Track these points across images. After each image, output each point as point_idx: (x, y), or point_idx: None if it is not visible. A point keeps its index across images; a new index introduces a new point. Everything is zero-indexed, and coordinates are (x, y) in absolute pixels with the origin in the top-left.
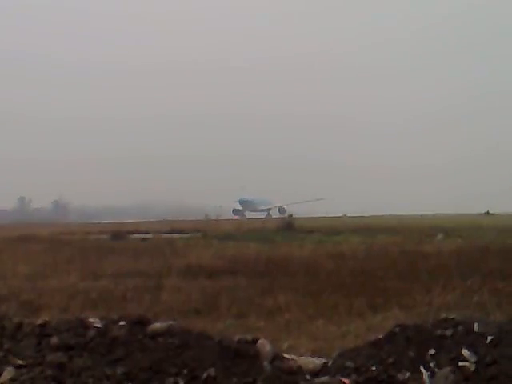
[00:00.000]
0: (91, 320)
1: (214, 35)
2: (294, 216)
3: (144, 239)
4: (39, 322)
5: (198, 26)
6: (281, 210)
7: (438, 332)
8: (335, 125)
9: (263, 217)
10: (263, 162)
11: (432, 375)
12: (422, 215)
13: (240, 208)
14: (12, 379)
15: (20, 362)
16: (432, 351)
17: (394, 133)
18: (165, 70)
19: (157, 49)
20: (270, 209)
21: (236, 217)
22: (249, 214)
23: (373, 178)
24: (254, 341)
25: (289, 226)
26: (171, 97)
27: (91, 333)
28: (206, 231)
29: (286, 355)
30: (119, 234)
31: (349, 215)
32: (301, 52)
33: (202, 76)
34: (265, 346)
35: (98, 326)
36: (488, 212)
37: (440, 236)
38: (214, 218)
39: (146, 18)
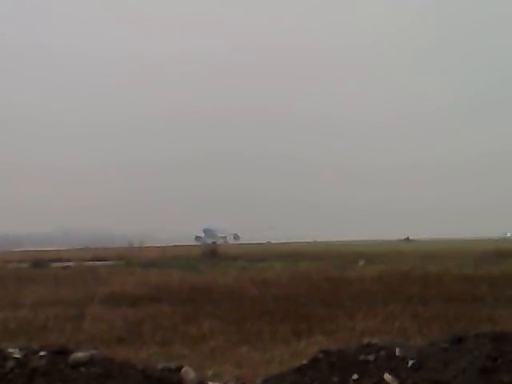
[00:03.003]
0: (10, 350)
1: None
2: (239, 240)
3: (66, 267)
4: None
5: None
6: (235, 236)
7: (361, 357)
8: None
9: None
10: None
11: None
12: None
13: (202, 235)
14: None
15: None
16: (355, 376)
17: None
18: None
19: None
20: (225, 236)
21: (197, 243)
22: (208, 241)
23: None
24: (178, 369)
25: (213, 253)
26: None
27: (10, 363)
28: (130, 259)
29: (210, 383)
30: (40, 261)
31: (273, 241)
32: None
33: None
34: (189, 373)
35: (18, 356)
36: (408, 238)
37: (362, 262)
38: (138, 245)
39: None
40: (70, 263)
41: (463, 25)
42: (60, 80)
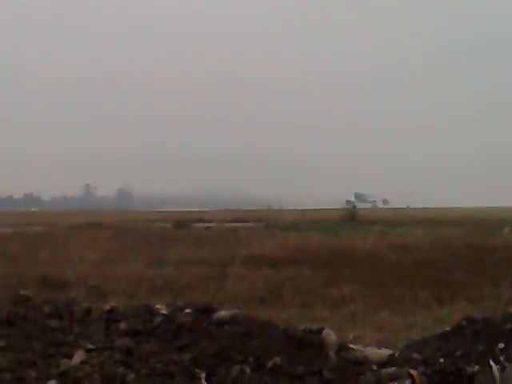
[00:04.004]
0: (158, 307)
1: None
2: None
3: (207, 228)
4: (107, 307)
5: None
6: (384, 201)
7: (508, 326)
8: None
9: (369, 207)
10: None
11: (502, 369)
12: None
13: (353, 200)
14: (83, 362)
15: (90, 345)
16: (501, 345)
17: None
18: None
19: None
20: (375, 201)
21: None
22: (359, 205)
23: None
24: (319, 331)
25: (351, 217)
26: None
27: (158, 319)
28: (269, 221)
29: (351, 345)
30: (183, 222)
31: (413, 207)
32: None
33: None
34: (330, 335)
35: (165, 312)
36: None
37: (507, 229)
38: (278, 208)
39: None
40: (212, 224)
41: None
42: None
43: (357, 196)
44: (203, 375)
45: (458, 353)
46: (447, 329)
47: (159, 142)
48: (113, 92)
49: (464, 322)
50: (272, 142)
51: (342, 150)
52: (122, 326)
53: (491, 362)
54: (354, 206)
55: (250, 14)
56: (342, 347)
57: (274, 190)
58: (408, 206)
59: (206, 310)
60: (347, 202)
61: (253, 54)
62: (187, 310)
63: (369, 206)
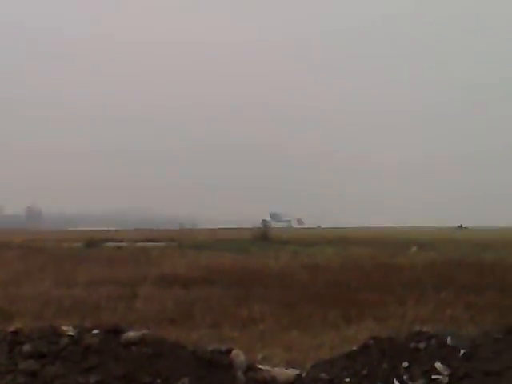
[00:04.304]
0: (64, 328)
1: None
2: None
3: (119, 248)
4: (11, 329)
5: None
6: (299, 221)
7: (412, 345)
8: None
9: (285, 226)
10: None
11: None
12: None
13: (269, 219)
14: None
15: None
16: (406, 364)
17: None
18: None
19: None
20: (290, 220)
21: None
22: (274, 224)
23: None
24: (228, 351)
25: (264, 237)
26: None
27: (64, 341)
28: (181, 240)
29: (259, 366)
30: (94, 241)
31: (323, 226)
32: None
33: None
34: (239, 356)
35: (72, 334)
36: (461, 226)
37: (414, 249)
38: (189, 227)
39: None
40: (123, 244)
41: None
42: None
43: (272, 216)
44: None
45: (364, 372)
46: (354, 348)
47: (69, 161)
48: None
49: (371, 342)
50: (183, 161)
51: (257, 170)
52: (26, 348)
53: (395, 381)
54: (266, 226)
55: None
56: (250, 368)
57: (186, 209)
58: (319, 226)
59: (115, 331)
60: (263, 221)
61: None
62: (95, 331)
63: (284, 225)
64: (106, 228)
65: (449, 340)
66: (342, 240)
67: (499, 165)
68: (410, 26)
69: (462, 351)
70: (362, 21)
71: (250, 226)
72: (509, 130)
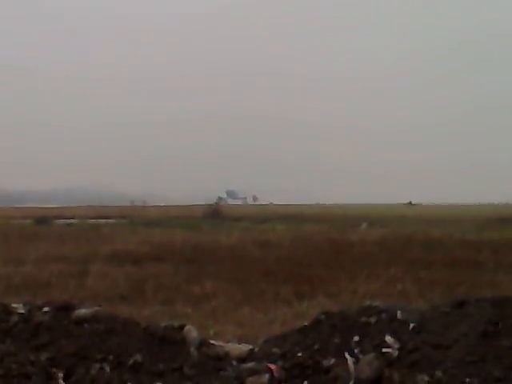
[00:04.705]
0: (14, 306)
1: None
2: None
3: (69, 224)
4: None
5: None
6: (254, 198)
7: (363, 319)
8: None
9: (240, 203)
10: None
11: (356, 361)
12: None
13: (225, 196)
14: None
15: None
16: (356, 338)
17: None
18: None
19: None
20: (245, 197)
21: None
22: (230, 202)
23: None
24: (181, 327)
25: (216, 214)
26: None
27: (14, 318)
28: (133, 217)
29: (212, 341)
30: (43, 218)
31: (275, 203)
32: None
33: None
34: (191, 332)
35: (22, 311)
36: (410, 202)
37: (364, 225)
38: (141, 204)
39: None
40: (73, 221)
41: None
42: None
43: (228, 193)
44: (61, 375)
45: (316, 346)
46: (306, 323)
47: (18, 137)
48: None
49: (322, 317)
50: (138, 136)
51: (215, 143)
52: None
53: (346, 355)
54: (217, 203)
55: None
56: (203, 343)
57: (138, 186)
58: (271, 203)
59: (66, 308)
60: (219, 198)
61: None
62: (46, 309)
63: (239, 202)
64: (55, 205)
65: (398, 314)
66: (293, 217)
67: (450, 139)
68: None
69: (412, 325)
70: None
71: (204, 204)
72: (466, 103)
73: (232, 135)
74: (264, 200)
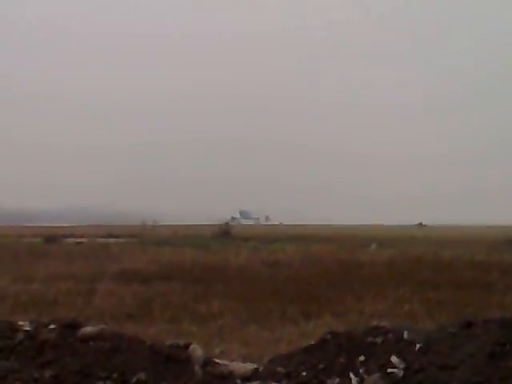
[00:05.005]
0: (20, 323)
1: None
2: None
3: (79, 243)
4: None
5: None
6: (266, 218)
7: (369, 339)
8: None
9: (253, 223)
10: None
11: (361, 381)
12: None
13: (238, 216)
14: None
15: None
16: (362, 358)
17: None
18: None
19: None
20: (258, 218)
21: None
22: (243, 222)
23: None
24: (186, 346)
25: (225, 234)
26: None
27: (20, 336)
28: (143, 237)
29: (217, 360)
30: (53, 237)
31: (285, 224)
32: None
33: None
34: (196, 350)
35: (28, 329)
36: (421, 223)
37: (374, 246)
38: (151, 223)
39: None
40: (83, 239)
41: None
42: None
43: (241, 213)
44: None
45: (321, 366)
46: (312, 343)
47: (28, 155)
48: None
49: (328, 336)
50: (148, 156)
51: (227, 164)
52: None
53: (351, 375)
54: (227, 223)
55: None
56: (207, 362)
57: (149, 205)
58: (281, 223)
59: (72, 326)
60: (232, 218)
61: None
62: (52, 326)
63: (252, 222)
64: (66, 224)
65: (405, 334)
66: (303, 237)
67: (461, 164)
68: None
69: (418, 345)
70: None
71: (216, 223)
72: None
73: (244, 157)
74: (276, 220)
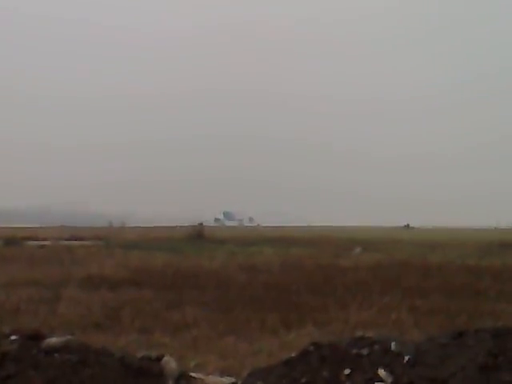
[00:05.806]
0: None
1: None
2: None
3: (41, 246)
4: None
5: None
6: (250, 219)
7: (354, 351)
8: None
9: (236, 225)
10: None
11: None
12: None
13: (221, 218)
14: None
15: None
16: (347, 371)
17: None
18: None
19: None
20: (242, 219)
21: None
22: (227, 223)
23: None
24: (159, 358)
25: (199, 236)
26: None
27: None
28: (110, 239)
29: (192, 374)
30: (14, 239)
31: (264, 225)
32: None
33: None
34: (170, 363)
35: None
36: (408, 225)
37: (358, 250)
38: (119, 225)
39: None
40: (46, 242)
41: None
42: None
43: (225, 214)
44: None
45: (303, 380)
46: (293, 355)
47: None
48: None
49: (310, 348)
50: (127, 155)
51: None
52: None
53: None
54: (201, 224)
55: None
56: (182, 376)
57: (118, 206)
58: (258, 225)
59: (35, 337)
60: (216, 219)
61: None
62: (13, 337)
63: (236, 223)
64: (27, 225)
65: (393, 346)
66: (283, 239)
67: (448, 166)
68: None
69: (407, 357)
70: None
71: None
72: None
73: (226, 156)
74: (260, 222)
